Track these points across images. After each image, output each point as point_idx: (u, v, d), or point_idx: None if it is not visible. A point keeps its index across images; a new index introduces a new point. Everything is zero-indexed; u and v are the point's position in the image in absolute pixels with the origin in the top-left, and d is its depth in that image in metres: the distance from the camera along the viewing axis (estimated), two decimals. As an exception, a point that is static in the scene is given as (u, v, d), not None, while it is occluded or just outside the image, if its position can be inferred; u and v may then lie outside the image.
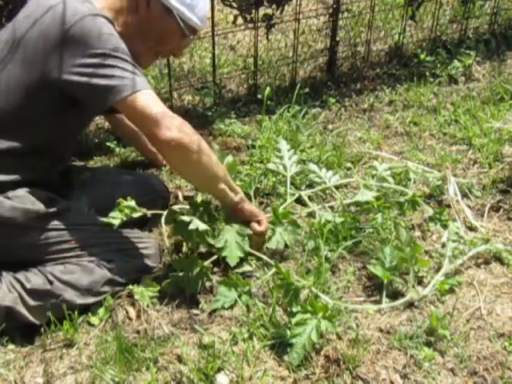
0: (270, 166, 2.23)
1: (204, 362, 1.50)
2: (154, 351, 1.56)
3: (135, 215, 1.74)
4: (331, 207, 2.15)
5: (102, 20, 1.58)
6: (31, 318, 1.61)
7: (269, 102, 2.78)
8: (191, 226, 1.73)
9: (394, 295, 1.78)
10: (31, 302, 1.60)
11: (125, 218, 1.71)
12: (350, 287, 1.82)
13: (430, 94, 3.09)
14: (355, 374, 1.51)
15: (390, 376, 1.52)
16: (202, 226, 1.74)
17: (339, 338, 1.61)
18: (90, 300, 1.68)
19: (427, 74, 3.26)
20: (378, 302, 1.76)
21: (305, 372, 1.51)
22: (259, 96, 2.87)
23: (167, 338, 1.61)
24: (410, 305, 1.75)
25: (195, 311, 1.71)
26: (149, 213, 1.78)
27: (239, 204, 1.83)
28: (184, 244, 1.92)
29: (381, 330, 1.66)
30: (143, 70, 1.97)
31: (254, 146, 2.53)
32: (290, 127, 2.60)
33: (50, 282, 1.63)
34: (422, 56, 3.33)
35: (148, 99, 1.58)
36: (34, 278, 1.63)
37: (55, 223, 1.68)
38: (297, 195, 2.16)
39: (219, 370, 1.51)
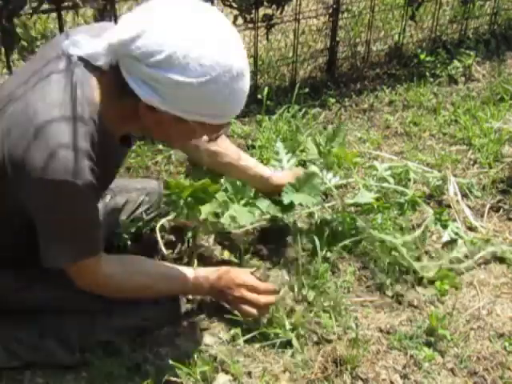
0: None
1: (204, 362, 1.50)
2: (153, 351, 1.56)
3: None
4: (331, 207, 2.15)
5: (69, 191, 1.29)
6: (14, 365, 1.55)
7: (269, 102, 2.78)
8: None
9: (394, 295, 1.78)
10: (21, 356, 1.53)
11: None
12: (350, 287, 1.81)
13: (430, 94, 3.09)
14: (355, 374, 1.51)
15: (389, 376, 1.52)
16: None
17: (339, 338, 1.61)
18: (81, 360, 1.55)
19: (427, 74, 3.25)
20: (378, 302, 1.76)
21: (304, 372, 1.51)
22: (259, 96, 2.87)
23: (167, 337, 1.61)
24: (410, 305, 1.75)
25: (195, 310, 1.71)
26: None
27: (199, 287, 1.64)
28: (180, 244, 1.92)
29: (381, 330, 1.66)
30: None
31: (253, 146, 2.53)
32: (290, 127, 2.60)
33: (42, 336, 1.54)
34: (422, 56, 3.33)
35: (82, 271, 1.43)
36: (26, 330, 1.54)
37: (38, 288, 1.55)
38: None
39: (219, 370, 1.51)
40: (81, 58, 1.33)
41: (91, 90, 1.32)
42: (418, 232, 1.88)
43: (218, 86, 1.26)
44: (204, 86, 1.24)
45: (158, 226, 1.88)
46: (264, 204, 1.85)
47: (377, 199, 2.06)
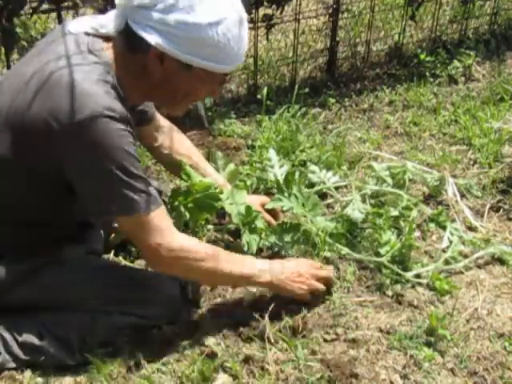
0: (264, 175, 2.24)
1: (204, 362, 1.50)
2: (153, 351, 1.56)
3: None
4: (329, 206, 2.16)
5: (110, 126, 1.34)
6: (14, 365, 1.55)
7: (269, 102, 2.78)
8: None
9: (394, 295, 1.78)
10: (21, 356, 1.53)
11: None
12: (350, 287, 1.81)
13: (430, 94, 3.09)
14: (355, 374, 1.50)
15: (389, 376, 1.52)
16: None
17: (339, 338, 1.61)
18: (81, 360, 1.54)
19: (427, 74, 3.26)
20: (378, 302, 1.76)
21: (304, 372, 1.51)
22: (259, 96, 2.87)
23: (167, 337, 1.61)
24: (410, 305, 1.75)
25: (195, 310, 1.71)
26: None
27: (272, 284, 1.65)
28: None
29: (381, 330, 1.66)
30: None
31: (253, 146, 2.53)
32: (290, 127, 2.60)
33: (41, 337, 1.53)
34: (422, 56, 3.33)
35: (149, 225, 1.44)
36: (26, 330, 1.54)
37: (35, 282, 1.54)
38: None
39: (219, 370, 1.51)
40: (87, 33, 1.44)
41: (104, 52, 1.42)
42: (399, 245, 1.88)
43: (223, 29, 1.38)
44: (210, 27, 1.37)
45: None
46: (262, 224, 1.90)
47: (374, 206, 2.06)
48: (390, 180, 2.19)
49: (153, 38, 1.37)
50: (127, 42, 1.42)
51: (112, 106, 1.35)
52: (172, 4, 1.35)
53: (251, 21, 2.79)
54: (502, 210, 2.22)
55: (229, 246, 1.91)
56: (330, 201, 2.20)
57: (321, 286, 1.69)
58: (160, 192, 1.88)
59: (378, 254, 1.88)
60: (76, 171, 1.39)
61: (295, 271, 1.66)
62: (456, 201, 2.18)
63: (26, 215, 1.50)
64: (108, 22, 1.43)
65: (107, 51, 1.43)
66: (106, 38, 1.44)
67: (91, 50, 1.41)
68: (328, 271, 1.75)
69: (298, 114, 2.71)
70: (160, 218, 1.46)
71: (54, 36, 1.50)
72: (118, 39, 1.43)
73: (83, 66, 1.38)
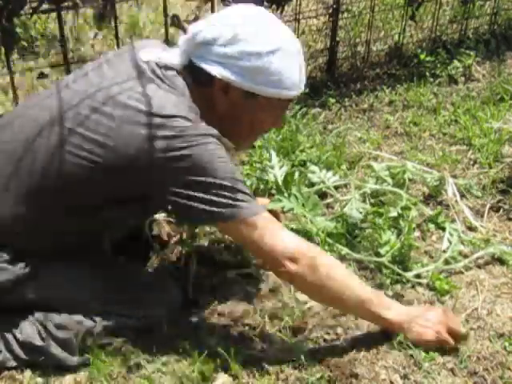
0: (264, 175, 2.24)
1: (204, 362, 1.50)
2: (153, 351, 1.56)
3: None
4: (331, 207, 2.16)
5: (212, 144, 1.41)
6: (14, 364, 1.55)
7: (269, 102, 2.78)
8: None
9: (394, 295, 1.78)
10: (22, 356, 1.53)
11: None
12: (350, 287, 1.81)
13: (430, 94, 3.09)
14: (355, 374, 1.51)
15: (389, 376, 1.52)
16: None
17: (339, 337, 1.61)
18: (81, 360, 1.55)
19: (427, 74, 3.25)
20: (378, 302, 1.76)
21: (304, 372, 1.51)
22: (259, 96, 2.87)
23: (167, 337, 1.61)
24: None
25: (195, 310, 1.71)
26: None
27: (397, 325, 1.56)
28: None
29: (381, 330, 1.66)
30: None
31: (253, 146, 2.53)
32: (290, 127, 2.60)
33: (42, 337, 1.54)
34: (422, 56, 3.33)
35: (256, 230, 1.44)
36: (27, 330, 1.54)
37: (36, 283, 1.54)
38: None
39: (219, 370, 1.51)
40: (157, 64, 1.48)
41: (178, 81, 1.47)
42: (398, 244, 1.88)
43: (282, 56, 1.46)
44: (270, 54, 1.45)
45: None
46: None
47: (374, 205, 2.06)
48: (389, 180, 2.19)
49: (216, 70, 1.44)
50: (193, 76, 1.48)
51: (200, 124, 1.42)
52: (232, 37, 1.43)
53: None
54: (502, 210, 2.22)
55: (229, 247, 1.91)
56: (329, 200, 2.21)
57: (447, 338, 1.54)
58: None
59: (378, 254, 1.88)
60: (177, 189, 1.41)
61: (423, 315, 1.57)
62: (456, 201, 2.18)
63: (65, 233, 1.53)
64: (173, 56, 1.49)
65: (180, 82, 1.48)
66: (175, 71, 1.49)
67: (168, 78, 1.46)
68: (458, 325, 1.59)
69: (298, 114, 2.71)
70: (269, 220, 1.48)
71: (125, 56, 1.54)
72: (184, 73, 1.49)
73: (164, 91, 1.44)
